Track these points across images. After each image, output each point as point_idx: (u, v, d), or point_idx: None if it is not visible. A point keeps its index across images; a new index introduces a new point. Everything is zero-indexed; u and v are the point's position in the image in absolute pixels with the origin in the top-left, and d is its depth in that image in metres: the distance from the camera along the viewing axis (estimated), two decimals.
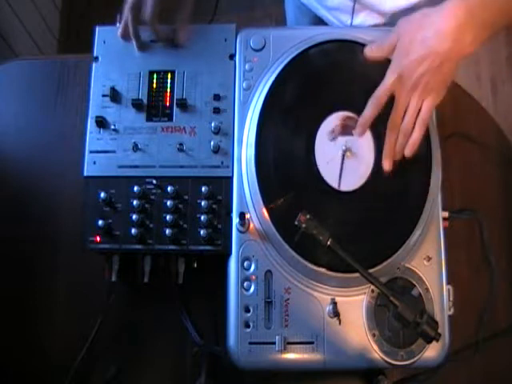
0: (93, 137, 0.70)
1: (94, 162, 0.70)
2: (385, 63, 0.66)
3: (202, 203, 0.67)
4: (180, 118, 0.71)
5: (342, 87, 0.70)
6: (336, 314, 0.64)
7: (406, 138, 0.65)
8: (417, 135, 0.65)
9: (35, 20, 1.66)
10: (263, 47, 0.72)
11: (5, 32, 1.46)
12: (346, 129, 0.68)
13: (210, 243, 0.67)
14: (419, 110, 0.64)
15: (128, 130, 0.70)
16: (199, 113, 0.71)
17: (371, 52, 0.68)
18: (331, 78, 0.71)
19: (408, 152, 0.65)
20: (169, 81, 0.72)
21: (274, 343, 0.63)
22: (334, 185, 0.66)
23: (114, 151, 0.70)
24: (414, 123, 0.65)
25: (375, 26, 0.84)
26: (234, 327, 0.64)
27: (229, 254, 0.67)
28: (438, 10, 0.62)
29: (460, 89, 0.85)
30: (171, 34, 0.72)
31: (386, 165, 0.66)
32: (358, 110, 0.67)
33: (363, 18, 0.84)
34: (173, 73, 0.72)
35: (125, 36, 0.72)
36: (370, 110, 0.65)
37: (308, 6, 0.95)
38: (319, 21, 0.95)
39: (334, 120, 0.68)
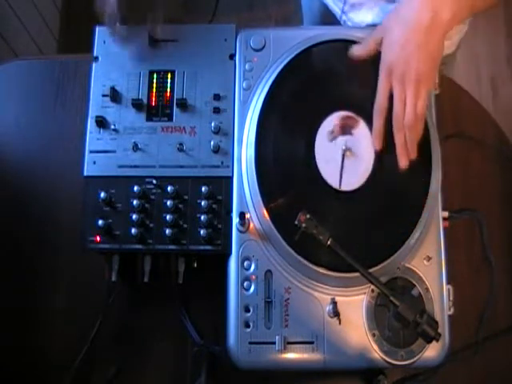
0: (93, 137, 0.70)
1: (94, 162, 0.70)
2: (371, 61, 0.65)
3: (202, 203, 0.67)
4: (180, 118, 0.71)
5: (342, 87, 0.70)
6: (336, 313, 0.64)
7: (414, 132, 0.64)
8: (420, 127, 0.64)
9: (35, 20, 1.65)
10: (263, 47, 0.72)
11: (5, 32, 1.46)
12: (345, 128, 0.68)
13: (209, 243, 0.67)
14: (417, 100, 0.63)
15: (128, 129, 0.70)
16: (199, 113, 0.71)
17: (356, 51, 0.68)
18: (331, 77, 0.71)
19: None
20: (169, 81, 0.72)
21: (273, 343, 0.63)
22: (334, 184, 0.66)
23: (114, 151, 0.70)
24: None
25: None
26: (234, 327, 0.64)
27: (229, 253, 0.66)
28: None
29: (460, 89, 0.85)
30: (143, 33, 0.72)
31: (403, 163, 0.64)
32: (358, 110, 0.67)
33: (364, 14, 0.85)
34: (173, 73, 0.72)
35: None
36: (378, 119, 0.65)
37: None
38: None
39: (333, 120, 0.68)
